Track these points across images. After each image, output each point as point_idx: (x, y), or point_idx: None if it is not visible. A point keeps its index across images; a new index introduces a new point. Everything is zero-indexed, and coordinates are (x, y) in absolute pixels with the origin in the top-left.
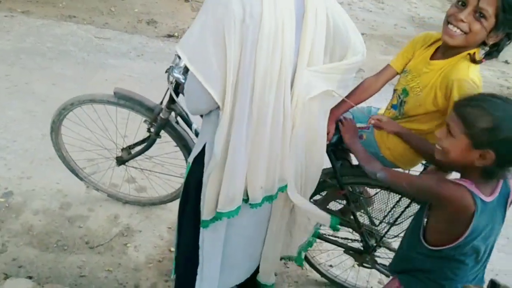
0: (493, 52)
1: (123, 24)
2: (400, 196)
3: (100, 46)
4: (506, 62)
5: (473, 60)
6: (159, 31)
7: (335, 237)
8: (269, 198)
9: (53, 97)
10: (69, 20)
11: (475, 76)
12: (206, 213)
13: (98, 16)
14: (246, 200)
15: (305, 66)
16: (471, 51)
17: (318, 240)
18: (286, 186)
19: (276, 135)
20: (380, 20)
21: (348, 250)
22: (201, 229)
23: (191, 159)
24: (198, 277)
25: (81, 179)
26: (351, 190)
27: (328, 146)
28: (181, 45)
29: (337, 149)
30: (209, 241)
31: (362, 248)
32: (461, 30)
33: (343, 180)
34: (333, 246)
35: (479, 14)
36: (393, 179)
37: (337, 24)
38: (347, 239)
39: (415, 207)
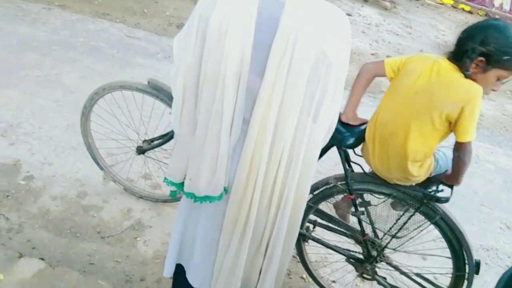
0: None
1: (154, 26)
2: (407, 207)
3: (130, 45)
4: None
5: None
6: None
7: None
8: (207, 198)
9: (81, 89)
10: (103, 18)
11: None
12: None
13: (130, 16)
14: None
15: (267, 96)
16: None
17: (321, 253)
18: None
19: (214, 137)
20: (406, 44)
21: (349, 258)
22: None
23: None
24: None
25: (101, 168)
26: (359, 197)
27: (343, 149)
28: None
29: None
30: (180, 210)
31: (363, 258)
32: None
33: (352, 186)
34: (336, 259)
35: None
36: None
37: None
38: (349, 250)
39: (417, 219)
